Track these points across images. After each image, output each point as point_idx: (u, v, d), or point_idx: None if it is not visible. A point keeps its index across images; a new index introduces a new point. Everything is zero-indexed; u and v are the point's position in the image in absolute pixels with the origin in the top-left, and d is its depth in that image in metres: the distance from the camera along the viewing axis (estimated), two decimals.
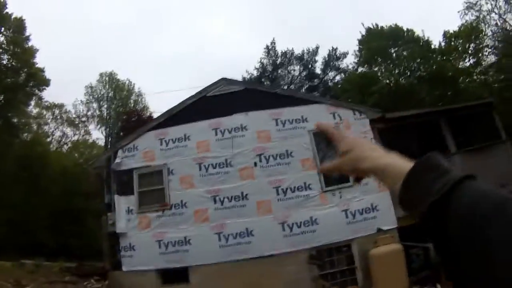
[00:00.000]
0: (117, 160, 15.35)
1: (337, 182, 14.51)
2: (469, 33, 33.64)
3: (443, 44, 36.62)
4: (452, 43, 35.90)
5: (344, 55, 40.51)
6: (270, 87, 18.31)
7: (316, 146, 14.79)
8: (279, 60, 41.18)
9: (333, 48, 40.68)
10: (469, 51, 34.97)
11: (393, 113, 16.46)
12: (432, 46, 36.68)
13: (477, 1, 30.74)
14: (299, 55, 41.11)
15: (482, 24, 32.57)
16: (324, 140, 1.32)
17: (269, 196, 14.39)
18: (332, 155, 1.32)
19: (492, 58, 34.41)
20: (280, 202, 14.37)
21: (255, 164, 14.76)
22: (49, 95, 49.31)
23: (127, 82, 50.23)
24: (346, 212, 14.29)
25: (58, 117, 45.45)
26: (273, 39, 41.40)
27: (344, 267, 14.05)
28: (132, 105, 47.82)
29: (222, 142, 15.12)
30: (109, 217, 14.96)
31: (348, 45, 66.17)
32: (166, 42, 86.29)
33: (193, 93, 16.29)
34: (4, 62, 36.80)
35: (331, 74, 41.35)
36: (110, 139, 45.36)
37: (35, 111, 43.09)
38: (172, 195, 14.73)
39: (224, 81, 16.25)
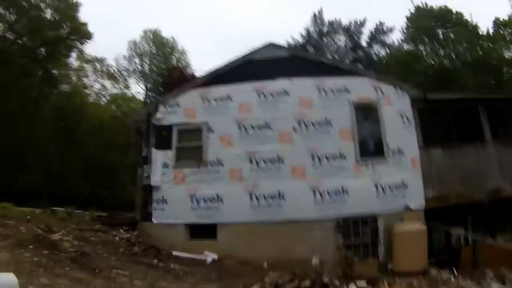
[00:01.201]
0: (158, 115, 15.88)
1: (372, 155, 14.87)
2: None
3: (491, 31, 35.78)
4: (501, 31, 35.32)
5: (391, 30, 40.46)
6: (316, 56, 18.40)
7: (355, 117, 15.14)
8: (325, 29, 41.20)
9: (380, 22, 40.63)
10: None
11: (435, 94, 16.48)
12: (480, 32, 35.96)
13: None
14: (345, 26, 41.23)
15: None
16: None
17: (305, 162, 14.74)
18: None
19: None
20: (314, 168, 14.70)
21: (295, 129, 15.09)
22: (92, 50, 50.10)
23: (171, 39, 50.72)
24: (377, 185, 14.54)
25: (99, 70, 46.01)
26: (321, 8, 41.32)
27: (368, 239, 14.37)
28: (175, 62, 48.16)
29: (264, 105, 15.48)
30: (145, 169, 15.55)
31: (395, 20, 65.26)
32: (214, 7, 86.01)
33: (237, 56, 16.49)
34: (48, 16, 37.39)
35: (376, 48, 41.26)
36: (149, 94, 45.95)
37: (76, 64, 43.79)
38: (209, 152, 15.22)
39: (271, 46, 16.49)
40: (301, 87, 15.53)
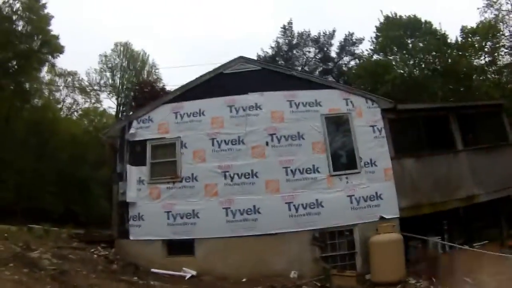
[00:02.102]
0: (132, 131, 15.71)
1: (344, 168, 15.00)
2: (487, 31, 33.43)
3: (459, 39, 36.26)
4: (469, 39, 35.64)
5: (360, 40, 40.64)
6: (286, 69, 18.45)
7: (327, 130, 15.26)
8: (295, 41, 41.28)
9: (349, 32, 40.91)
10: (485, 49, 34.64)
11: (405, 105, 16.71)
12: (449, 41, 36.32)
13: (497, 0, 30.78)
14: (315, 37, 41.31)
15: (501, 23, 32.55)
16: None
17: (278, 176, 14.79)
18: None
19: (507, 59, 34.08)
20: (288, 182, 14.76)
21: (267, 143, 15.15)
22: (63, 63, 49.60)
23: (141, 52, 50.41)
24: (351, 197, 14.71)
25: (70, 84, 45.59)
26: (290, 19, 41.61)
27: (345, 251, 14.48)
28: (146, 76, 47.91)
29: (236, 120, 15.49)
30: (120, 186, 15.34)
31: (365, 31, 65.85)
32: (182, 22, 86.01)
33: (208, 70, 16.55)
34: (19, 28, 36.99)
35: (345, 58, 41.51)
36: (121, 109, 45.58)
37: (47, 77, 43.33)
38: (183, 168, 15.14)
39: (242, 59, 16.53)
40: (273, 101, 15.61)
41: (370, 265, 13.71)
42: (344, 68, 40.22)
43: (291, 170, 14.85)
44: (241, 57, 16.56)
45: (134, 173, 15.26)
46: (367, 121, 15.53)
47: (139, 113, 16.35)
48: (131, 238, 14.78)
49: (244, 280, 13.46)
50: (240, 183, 14.86)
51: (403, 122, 16.00)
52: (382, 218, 14.48)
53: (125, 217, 15.06)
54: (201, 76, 16.30)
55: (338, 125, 15.65)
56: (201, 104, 15.77)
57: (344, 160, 15.38)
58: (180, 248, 14.48)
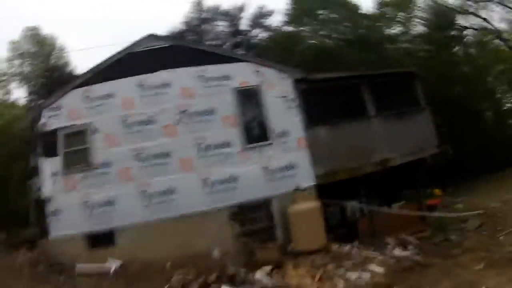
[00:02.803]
0: (42, 120, 14.98)
1: (257, 140, 15.00)
2: (401, 1, 34.98)
3: (373, 10, 37.18)
4: (383, 10, 36.71)
5: (271, 13, 39.51)
6: (196, 44, 18.11)
7: (238, 104, 15.12)
8: (205, 15, 40.41)
9: (261, 5, 39.85)
10: (399, 19, 36.01)
11: (316, 75, 16.82)
12: (363, 11, 36.83)
13: None
14: (225, 11, 40.26)
15: None
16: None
17: (191, 153, 14.65)
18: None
19: (420, 29, 35.60)
20: (202, 159, 14.66)
21: (178, 121, 14.91)
22: None
23: (50, 37, 48.11)
24: (266, 169, 14.85)
25: None
26: None
27: (264, 224, 14.62)
28: (54, 61, 45.93)
29: (147, 99, 15.08)
30: (36, 181, 14.80)
31: (279, 4, 65.25)
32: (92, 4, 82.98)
33: (119, 49, 15.91)
34: None
35: (256, 31, 40.45)
36: (33, 98, 43.68)
37: None
38: (97, 154, 14.57)
39: (152, 37, 16.02)
40: (182, 77, 15.33)
41: (291, 235, 13.86)
42: (255, 41, 39.87)
43: (204, 146, 14.74)
44: (150, 35, 16.04)
45: (48, 165, 14.54)
46: (279, 92, 15.64)
47: (48, 101, 15.53)
48: (52, 235, 14.02)
49: (168, 264, 13.15)
50: (154, 164, 14.54)
51: (315, 92, 16.05)
52: (298, 187, 14.62)
53: (44, 213, 14.33)
54: (110, 57, 15.63)
55: (249, 98, 15.59)
56: (111, 85, 15.13)
57: (256, 132, 15.36)
58: (102, 239, 13.94)
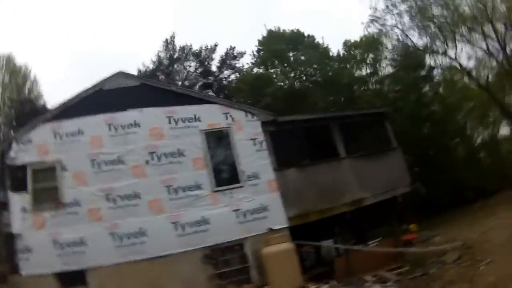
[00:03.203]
0: (12, 154, 14.51)
1: (227, 182, 14.93)
2: (369, 43, 35.54)
3: (342, 52, 38.00)
4: (352, 51, 37.52)
5: (242, 54, 40.29)
6: (166, 84, 18.01)
7: (207, 145, 15.02)
8: (176, 55, 40.60)
9: (231, 46, 40.53)
10: (368, 61, 36.75)
11: (285, 117, 16.94)
12: (331, 54, 37.77)
13: (382, 16, 32.29)
14: (196, 51, 40.61)
15: (384, 37, 34.12)
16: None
17: (161, 195, 14.40)
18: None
19: (389, 69, 36.24)
20: (171, 201, 14.41)
21: (147, 162, 14.68)
22: None
23: (24, 67, 47.26)
24: (237, 212, 14.70)
25: None
26: (173, 33, 40.55)
27: (238, 266, 14.36)
28: (27, 92, 45.04)
29: (116, 138, 14.80)
30: (4, 216, 14.27)
31: (248, 46, 66.10)
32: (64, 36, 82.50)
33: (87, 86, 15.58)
34: None
35: (226, 72, 41.01)
36: (2, 129, 42.53)
37: None
38: (66, 192, 14.09)
39: (121, 74, 15.85)
40: (152, 118, 15.17)
41: (267, 277, 13.74)
42: (225, 82, 40.08)
43: (174, 189, 14.51)
44: (120, 72, 15.88)
45: (17, 200, 14.00)
46: (248, 134, 15.66)
47: (18, 134, 15.10)
48: (22, 273, 13.34)
49: None
50: (124, 206, 14.19)
51: (285, 133, 16.28)
52: (271, 229, 14.57)
53: (13, 250, 13.76)
54: (80, 93, 15.31)
55: (218, 140, 15.61)
56: (80, 122, 14.73)
57: (226, 175, 15.33)
58: (73, 279, 13.35)
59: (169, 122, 15.22)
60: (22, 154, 14.28)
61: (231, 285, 13.70)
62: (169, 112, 15.31)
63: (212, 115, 15.61)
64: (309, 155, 16.21)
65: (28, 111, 31.34)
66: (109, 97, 15.17)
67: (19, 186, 14.06)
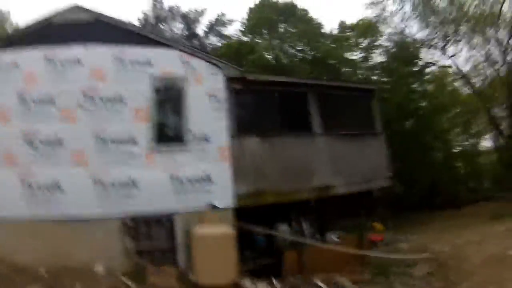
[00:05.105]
0: None
1: (170, 142, 12.68)
2: (365, 28, 34.69)
3: (336, 32, 37.13)
4: (346, 33, 36.61)
5: (231, 22, 39.29)
6: (123, 22, 15.54)
7: (155, 95, 12.70)
8: (163, 14, 39.10)
9: (221, 13, 39.53)
10: (361, 46, 35.87)
11: (256, 75, 14.81)
12: (324, 32, 36.98)
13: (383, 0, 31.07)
14: (184, 13, 39.26)
15: (382, 24, 33.40)
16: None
17: (88, 146, 12.10)
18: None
19: (381, 58, 35.28)
20: (98, 154, 12.12)
21: (80, 105, 12.36)
22: None
23: None
24: (175, 178, 12.39)
25: None
26: None
27: (164, 244, 12.15)
28: None
29: (52, 75, 12.54)
30: None
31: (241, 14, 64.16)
32: None
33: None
34: None
35: (213, 39, 39.80)
36: None
37: None
38: None
39: (77, 8, 13.41)
40: (97, 56, 12.82)
41: (194, 263, 11.46)
42: (210, 48, 38.66)
43: (103, 140, 12.20)
44: (76, 6, 13.47)
45: None
46: (207, 89, 13.26)
47: None
48: None
49: (43, 271, 10.75)
50: (44, 153, 11.98)
51: (253, 95, 14.09)
52: (212, 206, 12.28)
53: None
54: (28, 25, 13.18)
55: (170, 91, 13.16)
56: (17, 55, 12.54)
57: (171, 133, 13.02)
58: None
59: (116, 63, 12.87)
60: None
61: (151, 266, 11.45)
62: (118, 52, 12.93)
63: (168, 62, 13.22)
64: (277, 125, 13.94)
65: None
66: (57, 31, 12.94)
67: None
